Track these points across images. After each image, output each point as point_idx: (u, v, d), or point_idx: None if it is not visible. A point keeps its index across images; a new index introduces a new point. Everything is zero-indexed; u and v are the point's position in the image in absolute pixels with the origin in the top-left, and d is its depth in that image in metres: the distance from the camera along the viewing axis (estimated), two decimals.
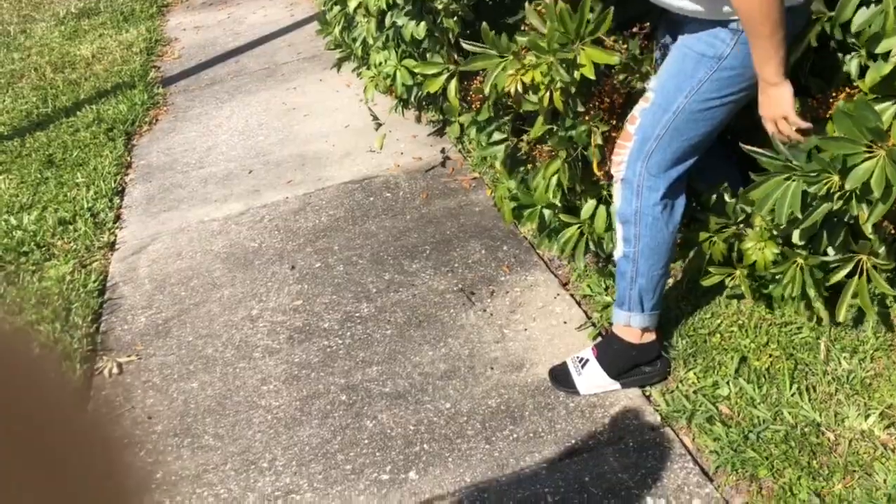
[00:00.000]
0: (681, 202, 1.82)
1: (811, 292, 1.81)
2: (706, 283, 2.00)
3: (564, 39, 1.65)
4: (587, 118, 1.91)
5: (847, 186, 1.52)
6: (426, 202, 2.90)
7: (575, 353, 2.03)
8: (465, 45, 1.82)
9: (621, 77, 1.90)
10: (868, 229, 1.60)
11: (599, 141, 1.89)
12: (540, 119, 1.89)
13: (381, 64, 2.50)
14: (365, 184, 3.08)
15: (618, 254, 1.88)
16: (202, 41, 5.01)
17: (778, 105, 1.58)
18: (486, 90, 1.77)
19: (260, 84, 4.21)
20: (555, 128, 2.00)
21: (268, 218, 2.97)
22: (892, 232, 1.74)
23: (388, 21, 2.33)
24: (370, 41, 2.55)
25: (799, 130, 1.59)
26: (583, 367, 1.97)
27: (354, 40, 2.82)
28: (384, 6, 2.12)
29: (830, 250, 1.79)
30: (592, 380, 1.95)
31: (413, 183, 3.04)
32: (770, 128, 1.64)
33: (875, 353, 1.89)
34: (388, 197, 2.97)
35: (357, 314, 2.38)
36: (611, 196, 2.01)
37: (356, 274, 2.56)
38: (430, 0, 2.06)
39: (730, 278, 1.96)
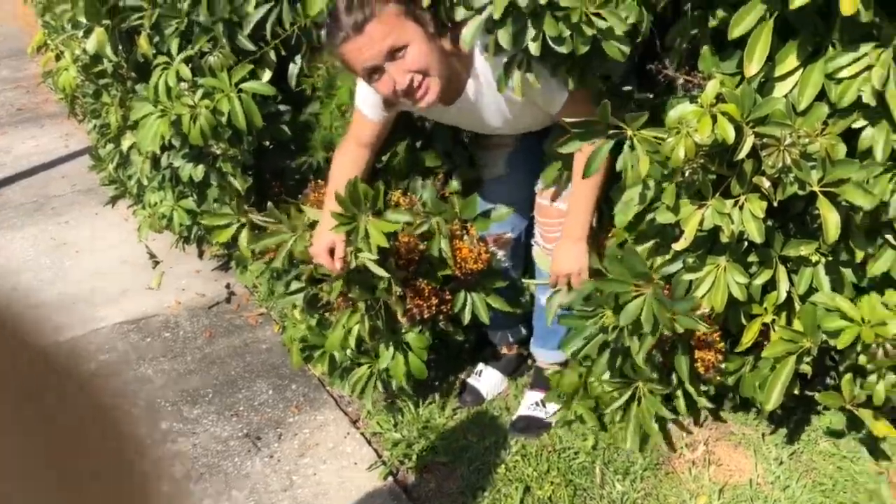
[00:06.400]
0: None
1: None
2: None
3: (347, 220, 1.74)
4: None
5: (621, 322, 1.66)
6: (209, 341, 2.79)
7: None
8: (256, 220, 1.89)
9: (420, 230, 1.96)
10: (640, 360, 1.74)
11: (399, 292, 1.93)
12: (338, 283, 1.92)
13: (156, 204, 2.43)
14: (142, 324, 2.91)
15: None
16: None
17: (577, 260, 1.83)
18: (279, 263, 1.84)
19: (26, 219, 3.91)
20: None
21: None
22: (661, 359, 1.89)
23: (164, 161, 2.29)
24: (144, 181, 2.48)
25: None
26: (545, 405, 2.21)
27: (129, 178, 2.73)
28: (157, 149, 2.07)
29: (607, 375, 1.93)
30: (553, 409, 2.21)
31: (195, 321, 2.92)
32: (560, 281, 1.85)
33: (644, 473, 2.02)
34: (168, 337, 2.83)
35: None
36: (408, 345, 2.14)
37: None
38: (208, 145, 2.05)
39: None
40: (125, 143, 2.44)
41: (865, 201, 1.33)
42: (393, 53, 1.58)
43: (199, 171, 2.20)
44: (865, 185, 1.34)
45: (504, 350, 2.42)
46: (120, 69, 2.45)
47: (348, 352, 2.16)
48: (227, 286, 3.12)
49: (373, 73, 1.62)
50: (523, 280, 2.14)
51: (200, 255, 3.33)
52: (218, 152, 2.14)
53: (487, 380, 2.39)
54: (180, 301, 3.04)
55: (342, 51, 1.61)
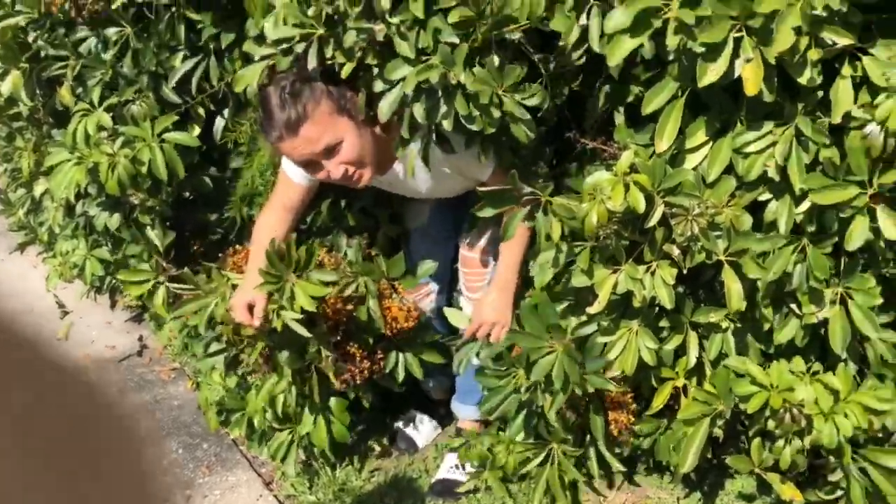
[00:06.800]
0: None
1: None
2: None
3: (274, 279, 1.74)
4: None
5: (532, 378, 1.67)
6: (118, 396, 2.68)
7: None
8: (175, 290, 1.88)
9: (347, 291, 1.93)
10: (552, 417, 1.75)
11: (329, 354, 1.89)
12: (259, 345, 1.88)
13: (67, 253, 2.35)
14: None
15: (476, 361, 1.97)
16: None
17: (502, 313, 1.82)
18: (202, 328, 1.90)
19: None
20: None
21: None
22: (575, 420, 1.89)
23: (78, 209, 2.22)
24: (56, 229, 2.40)
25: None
26: (464, 467, 2.13)
27: (41, 224, 2.64)
28: (72, 197, 2.02)
29: (521, 437, 1.92)
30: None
31: (103, 375, 2.80)
32: (481, 331, 1.85)
33: None
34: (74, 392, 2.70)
35: None
36: (330, 411, 2.11)
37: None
38: (126, 195, 2.01)
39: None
40: (38, 189, 2.36)
41: (759, 274, 1.40)
42: (328, 151, 1.63)
43: (114, 221, 2.15)
44: (759, 261, 1.40)
45: (437, 396, 2.42)
46: (36, 113, 2.39)
47: (269, 416, 2.10)
48: (140, 338, 3.02)
49: (308, 166, 1.68)
50: (441, 339, 2.12)
51: (113, 305, 3.21)
52: (136, 202, 2.10)
53: (422, 427, 2.38)
54: (89, 354, 2.92)
55: (277, 146, 1.66)
